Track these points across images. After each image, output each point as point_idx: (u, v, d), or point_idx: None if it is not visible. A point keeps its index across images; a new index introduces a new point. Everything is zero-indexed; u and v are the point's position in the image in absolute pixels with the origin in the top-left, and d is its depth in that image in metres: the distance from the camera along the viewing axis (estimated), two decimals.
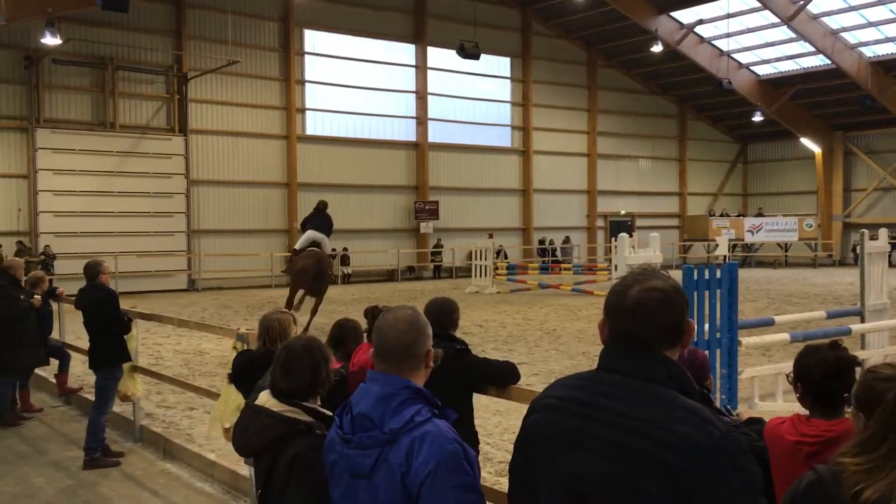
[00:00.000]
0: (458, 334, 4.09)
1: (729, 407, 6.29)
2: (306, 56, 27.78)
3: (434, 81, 30.31)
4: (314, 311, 14.70)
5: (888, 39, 29.50)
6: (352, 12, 28.22)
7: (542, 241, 33.19)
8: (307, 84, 27.80)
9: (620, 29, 31.31)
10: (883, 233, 10.31)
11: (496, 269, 23.86)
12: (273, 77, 26.98)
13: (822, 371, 2.80)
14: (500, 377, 3.97)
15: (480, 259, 23.76)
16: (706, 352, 6.23)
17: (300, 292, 15.22)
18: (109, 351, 7.19)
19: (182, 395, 8.94)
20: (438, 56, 29.92)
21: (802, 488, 2.05)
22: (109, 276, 7.59)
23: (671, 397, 1.78)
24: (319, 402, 2.98)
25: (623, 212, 35.69)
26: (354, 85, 28.59)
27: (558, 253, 33.26)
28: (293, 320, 4.45)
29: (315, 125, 28.06)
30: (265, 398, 2.95)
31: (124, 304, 7.66)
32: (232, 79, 25.86)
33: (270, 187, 26.93)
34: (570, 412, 1.88)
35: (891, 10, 27.51)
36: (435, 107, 30.39)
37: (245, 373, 4.28)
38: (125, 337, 7.35)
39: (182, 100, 25.07)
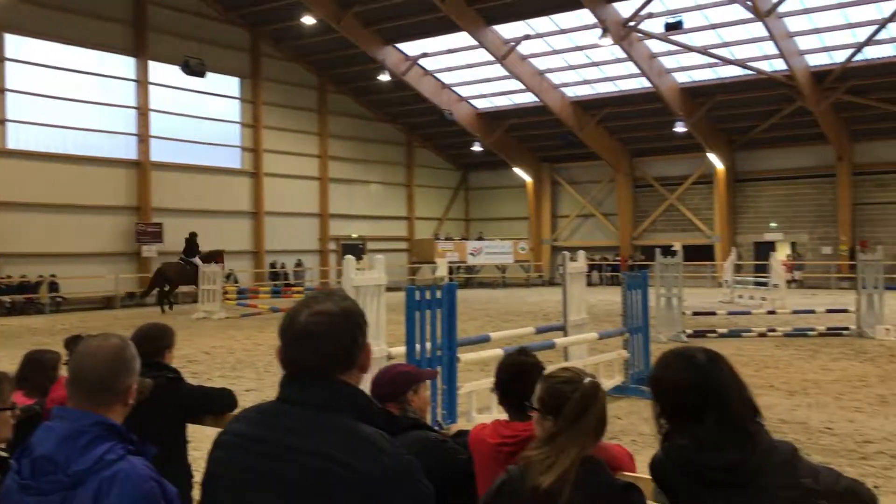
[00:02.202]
0: (183, 363, 3.90)
1: (440, 421, 6.61)
2: (7, 62, 25.06)
3: (157, 97, 28.75)
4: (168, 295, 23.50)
5: (585, 82, 33.07)
6: (62, 19, 25.92)
7: (273, 265, 32.74)
8: (8, 93, 25.06)
9: (350, 56, 31.96)
10: (581, 255, 11.45)
11: (225, 293, 23.11)
12: None
13: (507, 375, 3.02)
14: (216, 405, 3.83)
15: (209, 283, 22.86)
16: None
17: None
18: None
19: None
20: (161, 71, 28.45)
21: (494, 488, 2.23)
22: None
23: (346, 427, 1.75)
24: (3, 446, 2.66)
25: (355, 235, 36.29)
26: (66, 97, 26.25)
27: (290, 276, 33.02)
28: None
29: (18, 139, 25.31)
30: None
31: None
32: None
33: None
34: (249, 450, 1.81)
35: (587, 56, 30.86)
36: (158, 124, 28.81)
37: None
38: None
39: None
